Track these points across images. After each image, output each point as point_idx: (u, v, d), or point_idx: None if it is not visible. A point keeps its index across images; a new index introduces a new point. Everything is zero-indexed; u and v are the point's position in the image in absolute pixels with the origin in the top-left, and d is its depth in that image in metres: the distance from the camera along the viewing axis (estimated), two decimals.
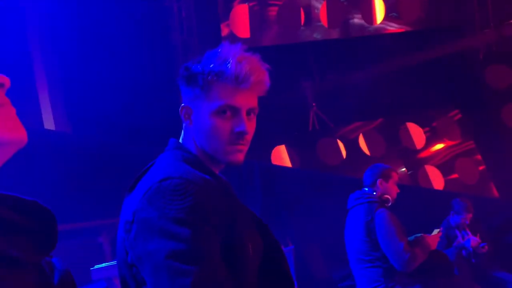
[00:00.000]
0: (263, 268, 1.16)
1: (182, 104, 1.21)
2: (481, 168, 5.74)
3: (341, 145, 5.59)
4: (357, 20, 5.81)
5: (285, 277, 1.19)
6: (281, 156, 5.40)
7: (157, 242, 1.05)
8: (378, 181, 2.98)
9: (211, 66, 1.15)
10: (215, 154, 1.17)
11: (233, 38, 5.26)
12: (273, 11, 5.58)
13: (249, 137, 1.18)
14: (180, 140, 1.23)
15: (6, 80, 0.62)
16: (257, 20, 5.53)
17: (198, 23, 5.05)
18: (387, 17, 5.84)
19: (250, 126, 1.17)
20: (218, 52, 1.17)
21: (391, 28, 5.92)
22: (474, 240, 3.93)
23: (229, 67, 1.14)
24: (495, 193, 5.57)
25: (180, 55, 5.02)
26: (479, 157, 5.78)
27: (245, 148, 1.18)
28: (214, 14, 5.28)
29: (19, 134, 0.62)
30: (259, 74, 1.15)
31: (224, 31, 5.40)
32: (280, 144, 5.42)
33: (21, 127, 0.62)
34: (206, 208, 1.08)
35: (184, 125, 1.23)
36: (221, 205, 1.11)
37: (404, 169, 5.61)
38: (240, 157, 1.17)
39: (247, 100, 1.16)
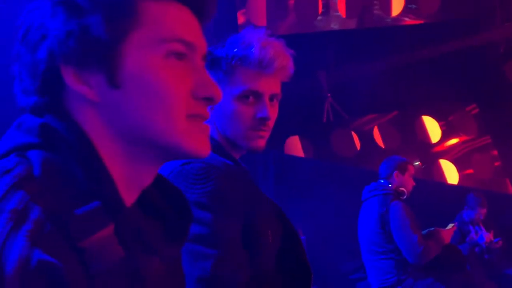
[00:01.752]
0: (281, 256, 1.17)
1: None
2: (496, 163, 5.68)
3: (355, 136, 5.56)
4: (375, 10, 5.75)
5: (303, 265, 1.20)
6: (295, 146, 5.40)
7: None
8: (394, 173, 2.97)
9: (235, 50, 1.15)
10: (236, 139, 1.17)
11: (249, 26, 5.24)
12: (290, 0, 5.54)
13: (271, 123, 1.17)
14: None
15: (218, 96, 0.57)
16: (274, 8, 5.50)
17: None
18: (405, 9, 5.76)
19: (273, 112, 1.17)
20: (242, 37, 1.16)
21: (409, 20, 5.85)
22: (487, 236, 3.90)
23: (253, 51, 1.13)
24: (511, 189, 5.52)
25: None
26: (495, 152, 5.72)
27: (266, 134, 1.18)
28: (230, 2, 5.26)
29: (204, 150, 0.58)
30: (283, 59, 1.14)
31: (241, 19, 5.38)
32: (294, 134, 5.41)
33: (208, 143, 0.58)
34: (227, 193, 1.09)
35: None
36: (242, 191, 1.12)
37: (418, 162, 5.58)
38: (262, 143, 1.17)
39: (270, 86, 1.15)
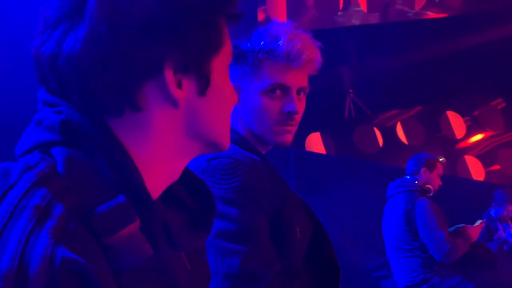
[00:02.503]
0: (309, 252, 1.15)
1: (232, 84, 1.19)
2: None
3: (378, 133, 5.49)
4: (397, 5, 5.66)
5: (331, 262, 1.18)
6: (316, 143, 5.36)
7: None
8: (422, 170, 2.92)
9: (261, 43, 1.13)
10: (263, 134, 1.16)
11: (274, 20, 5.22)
12: None
13: (298, 117, 1.15)
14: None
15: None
16: (294, 5, 5.47)
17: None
18: (428, 2, 5.66)
19: (300, 106, 1.15)
20: (268, 30, 1.14)
21: (432, 13, 5.74)
22: None
23: (280, 44, 1.11)
24: None
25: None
26: None
27: (294, 128, 1.16)
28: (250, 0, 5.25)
29: (227, 142, 0.64)
30: (311, 52, 1.12)
31: (261, 16, 5.36)
32: (315, 131, 5.37)
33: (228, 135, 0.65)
34: (255, 188, 1.07)
35: None
36: (269, 186, 1.10)
37: (443, 158, 5.48)
38: (289, 138, 1.15)
39: (297, 79, 1.13)
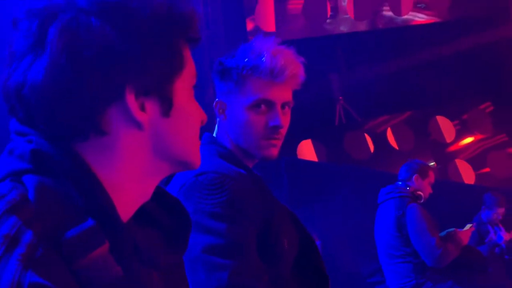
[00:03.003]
0: (297, 263, 1.16)
1: (216, 99, 1.21)
2: None
3: (368, 139, 5.52)
4: (384, 11, 5.72)
5: (320, 272, 1.19)
6: (307, 150, 5.38)
7: (193, 236, 1.05)
8: (414, 177, 2.94)
9: (245, 60, 1.15)
10: (249, 148, 1.17)
11: (258, 32, 5.25)
12: (299, 4, 5.55)
13: (283, 131, 1.17)
14: (214, 135, 1.23)
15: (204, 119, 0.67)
16: (283, 13, 5.51)
17: (224, 18, 5.06)
18: (415, 8, 5.72)
19: (285, 120, 1.17)
20: (252, 46, 1.16)
21: (420, 19, 5.81)
22: (507, 236, 3.84)
23: (264, 61, 1.13)
24: None
25: (206, 50, 5.04)
26: (511, 150, 5.63)
27: (279, 142, 1.17)
28: (239, 9, 5.28)
29: (198, 160, 0.65)
30: (294, 67, 1.15)
31: (250, 26, 5.39)
32: (307, 138, 5.40)
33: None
34: (242, 202, 1.08)
35: (218, 119, 1.23)
36: (256, 200, 1.11)
37: (433, 163, 5.52)
38: (275, 151, 1.17)
39: (282, 94, 1.15)
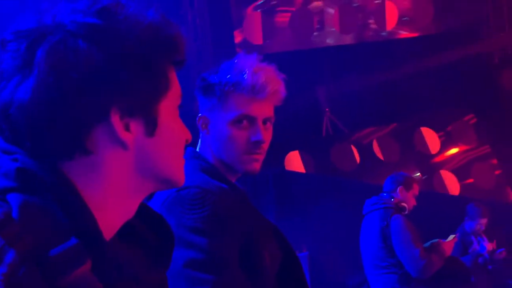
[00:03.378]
0: (279, 277, 1.17)
1: (200, 114, 1.23)
2: (497, 172, 5.67)
3: (355, 150, 5.57)
4: (370, 25, 5.81)
5: (301, 285, 1.20)
6: (295, 162, 5.41)
7: (175, 251, 1.06)
8: (399, 188, 2.98)
9: (228, 76, 1.17)
10: (232, 163, 1.19)
11: (246, 44, 5.30)
12: (286, 18, 5.61)
13: (265, 146, 1.19)
14: (197, 150, 1.25)
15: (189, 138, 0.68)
16: (270, 26, 5.56)
17: (212, 30, 5.10)
18: (399, 22, 5.82)
19: (267, 135, 1.19)
20: (234, 63, 1.19)
21: (404, 33, 5.90)
22: (490, 246, 3.88)
23: (246, 77, 1.16)
24: None
25: (194, 61, 5.06)
26: (495, 161, 5.72)
27: (261, 157, 1.20)
28: (227, 22, 5.32)
29: (182, 178, 0.66)
30: (275, 84, 1.17)
31: (238, 38, 5.44)
32: (294, 150, 5.43)
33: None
34: (223, 217, 1.10)
35: (201, 134, 1.25)
36: (238, 215, 1.13)
37: (419, 174, 5.57)
38: (257, 166, 1.19)
39: (263, 110, 1.18)
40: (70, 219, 0.56)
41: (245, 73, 1.16)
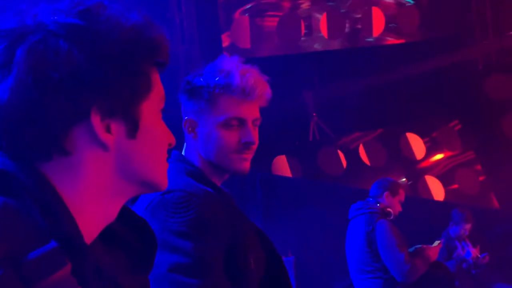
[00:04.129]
0: (264, 281, 1.17)
1: (186, 117, 1.22)
2: (481, 178, 5.75)
3: (341, 155, 5.60)
4: (356, 31, 5.86)
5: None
6: (282, 166, 5.41)
7: (160, 254, 1.05)
8: (385, 194, 3.00)
9: (216, 79, 1.17)
10: (221, 164, 1.19)
11: (234, 48, 5.30)
12: (273, 22, 5.62)
13: (255, 146, 1.21)
14: (183, 153, 1.24)
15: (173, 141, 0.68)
16: (258, 31, 5.57)
17: (199, 33, 5.09)
18: (386, 28, 5.88)
19: (256, 136, 1.20)
20: (219, 65, 1.19)
21: (391, 39, 5.96)
22: (474, 251, 3.92)
23: (235, 80, 1.17)
24: (496, 203, 5.57)
25: (182, 65, 5.05)
26: (479, 167, 5.79)
27: (250, 156, 1.22)
28: (215, 25, 5.32)
29: (164, 182, 0.65)
30: (262, 86, 1.19)
31: (225, 42, 5.44)
32: (281, 154, 5.43)
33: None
34: (208, 221, 1.09)
35: (186, 138, 1.24)
36: (223, 218, 1.12)
37: (404, 179, 5.62)
38: (247, 165, 1.20)
39: (252, 112, 1.20)
40: (50, 222, 0.56)
41: (233, 75, 1.17)
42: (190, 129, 1.22)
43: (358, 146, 5.69)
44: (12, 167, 0.57)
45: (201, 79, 1.19)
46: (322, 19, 5.70)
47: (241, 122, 1.17)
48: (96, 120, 0.59)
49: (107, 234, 0.64)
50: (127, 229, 0.66)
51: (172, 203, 1.09)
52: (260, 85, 1.18)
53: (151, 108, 0.63)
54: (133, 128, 0.61)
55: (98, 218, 0.61)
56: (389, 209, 2.97)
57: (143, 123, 0.62)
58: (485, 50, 5.79)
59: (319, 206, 4.24)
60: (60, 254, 0.54)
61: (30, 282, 0.52)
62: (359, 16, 5.82)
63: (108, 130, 0.60)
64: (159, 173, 0.64)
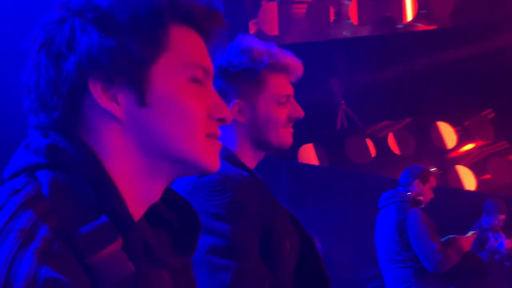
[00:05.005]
0: (299, 265, 1.16)
1: (233, 101, 1.21)
2: None
3: (370, 143, 5.53)
4: (387, 17, 5.74)
5: (320, 273, 1.19)
6: (309, 154, 5.39)
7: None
8: (415, 182, 2.94)
9: (262, 59, 1.18)
10: (272, 140, 1.20)
11: (261, 36, 5.27)
12: (302, 9, 5.56)
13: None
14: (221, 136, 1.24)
15: (229, 117, 0.63)
16: (286, 17, 5.52)
17: (226, 20, 5.08)
18: (418, 14, 5.74)
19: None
20: (257, 46, 1.20)
21: (422, 25, 5.82)
22: (508, 243, 3.83)
23: (280, 59, 1.19)
24: None
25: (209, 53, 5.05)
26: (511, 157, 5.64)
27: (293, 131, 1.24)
28: (242, 12, 5.29)
29: (217, 165, 0.61)
30: (300, 63, 1.23)
31: (252, 29, 5.41)
32: (308, 142, 5.40)
33: (217, 160, 0.61)
34: (244, 204, 1.09)
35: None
36: (259, 202, 1.12)
37: (434, 169, 5.52)
38: (291, 139, 1.23)
39: (292, 87, 1.23)
40: (99, 197, 0.56)
41: (276, 55, 1.19)
42: (238, 112, 1.21)
43: (387, 135, 5.61)
44: (63, 142, 0.57)
45: (246, 61, 1.19)
46: (351, 5, 5.60)
47: (289, 98, 1.21)
48: (95, 90, 0.57)
49: (151, 215, 0.64)
50: (171, 209, 0.66)
51: (208, 186, 1.09)
52: (299, 63, 1.22)
53: (169, 71, 0.57)
54: (140, 95, 0.57)
55: (139, 197, 0.60)
56: (420, 197, 2.92)
57: (158, 90, 0.57)
58: None
59: (346, 195, 4.21)
60: (111, 229, 0.54)
61: (82, 256, 0.52)
62: (389, 1, 5.70)
63: (114, 99, 0.57)
64: (195, 149, 0.59)
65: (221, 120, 0.62)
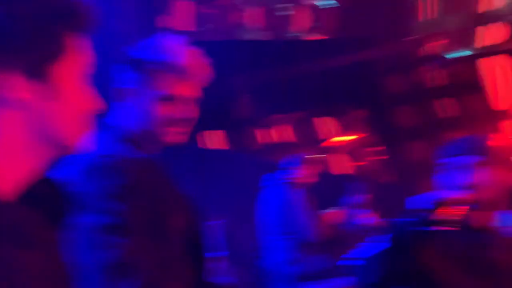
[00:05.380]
0: (187, 244, 1.16)
1: (126, 86, 1.16)
2: (383, 158, 6.13)
3: (264, 131, 5.70)
4: (285, 26, 5.94)
5: (200, 248, 1.19)
6: (212, 140, 5.41)
7: (90, 215, 1.01)
8: (300, 165, 3.07)
9: (161, 56, 1.13)
10: (158, 135, 1.15)
11: (170, 31, 5.13)
12: (211, 9, 5.52)
13: (193, 122, 1.18)
14: (116, 119, 1.18)
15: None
16: (195, 15, 5.44)
17: (136, 16, 4.85)
18: (311, 25, 6.01)
19: (194, 113, 1.18)
20: (166, 43, 1.15)
21: (314, 35, 6.12)
22: (370, 219, 4.15)
23: (179, 60, 1.13)
24: (390, 178, 5.98)
25: (118, 46, 4.81)
26: (380, 148, 6.16)
27: (188, 130, 1.18)
28: (152, 8, 5.10)
29: (73, 140, 0.61)
30: (204, 67, 1.16)
31: (162, 24, 5.24)
32: (211, 129, 5.42)
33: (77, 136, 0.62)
34: (138, 184, 1.06)
35: (121, 105, 1.18)
36: (152, 182, 1.09)
37: (317, 156, 5.83)
38: (181, 138, 1.17)
39: (192, 90, 1.16)
40: None
41: (178, 55, 1.13)
42: (129, 98, 1.16)
43: (279, 126, 5.82)
44: None
45: (147, 54, 1.14)
46: (256, 13, 5.68)
47: (181, 99, 1.14)
48: (12, 78, 0.56)
49: (24, 194, 0.60)
50: (44, 190, 0.63)
51: (105, 167, 1.04)
52: (202, 67, 1.15)
53: (70, 71, 0.60)
54: (45, 90, 0.58)
55: (12, 175, 0.57)
56: (302, 180, 3.07)
57: (60, 85, 0.59)
58: (386, 51, 6.14)
59: (243, 176, 4.30)
60: None
61: None
62: (288, 13, 5.88)
63: (23, 89, 0.57)
64: (72, 135, 0.61)
65: (97, 111, 0.64)
